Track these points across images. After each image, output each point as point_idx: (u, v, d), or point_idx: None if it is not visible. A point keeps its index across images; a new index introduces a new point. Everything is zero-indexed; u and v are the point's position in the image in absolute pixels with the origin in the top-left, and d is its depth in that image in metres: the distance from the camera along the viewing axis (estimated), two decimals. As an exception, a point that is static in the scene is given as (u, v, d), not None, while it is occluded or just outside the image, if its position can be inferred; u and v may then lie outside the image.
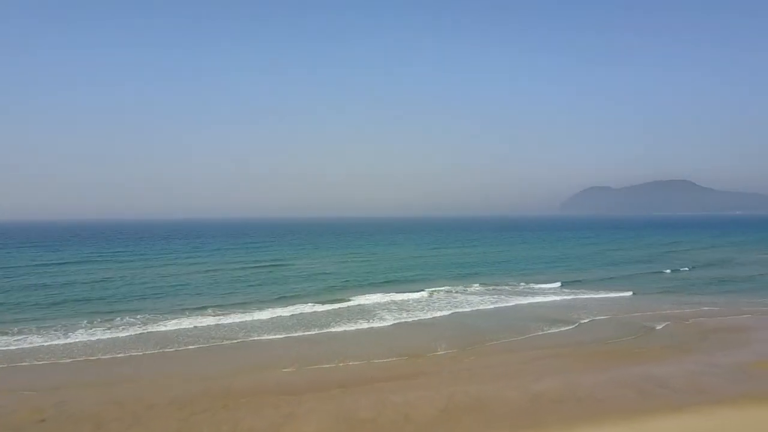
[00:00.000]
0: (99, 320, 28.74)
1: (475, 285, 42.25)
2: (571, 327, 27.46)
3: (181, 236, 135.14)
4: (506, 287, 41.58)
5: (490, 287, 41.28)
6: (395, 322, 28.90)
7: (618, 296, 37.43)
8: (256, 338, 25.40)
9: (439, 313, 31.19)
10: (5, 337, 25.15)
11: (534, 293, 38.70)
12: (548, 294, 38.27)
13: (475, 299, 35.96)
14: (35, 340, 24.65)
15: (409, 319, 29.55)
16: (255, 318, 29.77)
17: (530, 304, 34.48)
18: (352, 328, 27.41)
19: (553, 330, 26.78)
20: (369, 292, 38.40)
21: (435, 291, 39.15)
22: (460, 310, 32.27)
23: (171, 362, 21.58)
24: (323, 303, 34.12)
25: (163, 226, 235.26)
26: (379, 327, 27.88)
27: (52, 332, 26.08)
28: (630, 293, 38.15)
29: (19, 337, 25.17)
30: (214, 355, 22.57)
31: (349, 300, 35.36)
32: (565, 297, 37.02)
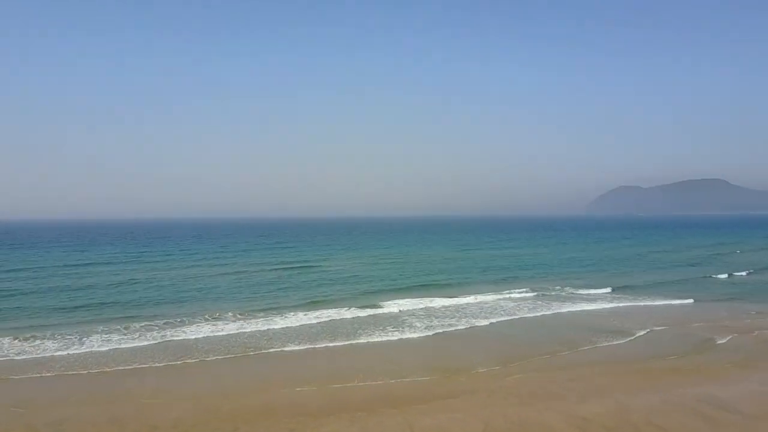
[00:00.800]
0: (117, 326, 27.58)
1: (515, 290, 39.68)
2: (626, 339, 24.87)
3: (208, 236, 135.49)
4: (549, 293, 38.86)
5: (532, 293, 38.59)
6: (428, 332, 26.73)
7: (678, 304, 34.52)
8: (277, 349, 23.60)
9: (475, 322, 28.89)
10: (18, 344, 24.29)
11: (581, 299, 35.95)
12: (597, 301, 35.43)
13: (516, 306, 33.56)
14: (49, 347, 23.61)
15: (443, 329, 27.32)
16: (279, 326, 28.05)
17: (578, 312, 31.89)
18: (381, 339, 25.42)
19: (606, 343, 24.26)
20: (400, 297, 36.52)
21: (471, 296, 36.73)
22: (499, 318, 29.90)
23: (183, 376, 19.96)
24: (351, 309, 32.33)
25: (191, 226, 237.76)
26: (410, 338, 25.81)
27: (67, 338, 25.07)
28: (691, 300, 35.15)
29: (33, 344, 24.25)
30: (229, 368, 20.88)
31: (379, 306, 33.40)
32: (618, 304, 34.18)
